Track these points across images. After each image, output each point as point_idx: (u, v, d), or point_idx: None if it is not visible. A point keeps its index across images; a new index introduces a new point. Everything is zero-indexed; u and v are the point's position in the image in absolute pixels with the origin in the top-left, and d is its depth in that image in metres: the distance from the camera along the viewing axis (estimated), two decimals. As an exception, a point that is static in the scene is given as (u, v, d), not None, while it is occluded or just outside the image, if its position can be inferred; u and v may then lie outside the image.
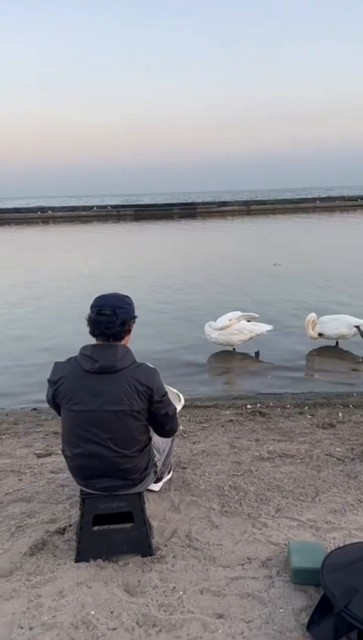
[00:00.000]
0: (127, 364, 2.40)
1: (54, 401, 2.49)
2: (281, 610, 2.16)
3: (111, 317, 2.41)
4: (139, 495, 2.57)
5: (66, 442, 2.49)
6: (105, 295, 2.55)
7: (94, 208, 47.00)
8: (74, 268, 15.59)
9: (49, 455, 3.92)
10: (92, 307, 2.50)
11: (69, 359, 2.52)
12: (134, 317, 2.58)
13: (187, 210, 45.88)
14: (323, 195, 60.91)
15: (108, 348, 2.41)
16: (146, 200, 67.64)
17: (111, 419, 2.36)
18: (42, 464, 3.75)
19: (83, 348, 2.48)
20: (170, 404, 2.58)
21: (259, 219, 36.95)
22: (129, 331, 2.55)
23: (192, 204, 51.17)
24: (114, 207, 48.44)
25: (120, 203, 57.39)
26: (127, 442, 2.42)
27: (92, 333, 2.48)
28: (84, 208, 48.01)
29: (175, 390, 3.38)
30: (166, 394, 2.51)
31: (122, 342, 2.51)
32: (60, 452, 3.87)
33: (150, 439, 2.60)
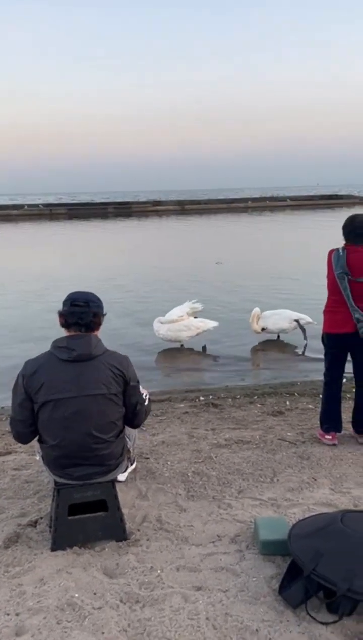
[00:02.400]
0: (102, 352, 2.53)
1: (28, 396, 2.53)
2: (254, 579, 2.33)
3: (84, 308, 2.54)
4: (113, 483, 2.67)
5: (46, 432, 2.55)
6: (78, 291, 2.65)
7: (25, 207, 45.82)
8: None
9: (9, 453, 3.92)
10: (65, 301, 2.60)
11: (39, 355, 2.59)
12: (104, 313, 2.70)
13: (122, 209, 45.79)
14: (255, 195, 62.56)
15: (82, 337, 2.53)
16: (83, 199, 66.72)
17: (91, 404, 2.47)
18: (3, 462, 3.75)
19: (56, 341, 2.56)
20: (141, 393, 2.70)
21: (194, 218, 37.47)
22: (99, 324, 2.66)
23: (127, 203, 51.08)
24: (47, 205, 47.52)
25: (53, 202, 56.35)
26: (106, 427, 2.53)
27: (65, 324, 2.58)
28: (15, 206, 46.75)
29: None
30: (138, 381, 2.65)
31: (93, 334, 2.62)
32: (20, 450, 3.90)
33: (124, 425, 2.72)
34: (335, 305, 3.77)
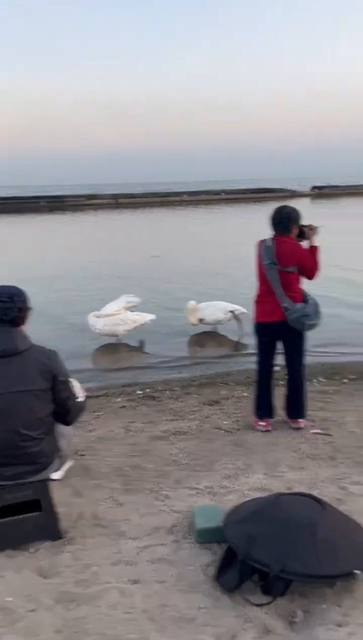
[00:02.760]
0: (28, 346, 2.46)
1: None
2: (190, 568, 2.35)
3: (8, 303, 2.45)
4: (46, 482, 2.60)
5: None
6: (1, 285, 2.56)
7: None
8: None
9: None
10: None
11: None
12: (30, 307, 2.62)
13: (55, 203, 44.72)
14: (191, 189, 62.93)
15: (7, 332, 2.45)
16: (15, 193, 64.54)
17: (17, 401, 2.39)
18: None
19: None
20: (72, 389, 2.65)
21: (129, 212, 37.23)
22: (25, 319, 2.58)
23: (60, 196, 49.95)
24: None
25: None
26: (34, 424, 2.46)
27: None
28: None
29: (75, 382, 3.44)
30: (68, 376, 2.59)
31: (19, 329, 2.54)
32: None
33: (53, 422, 2.65)
34: (264, 295, 3.85)
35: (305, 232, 3.83)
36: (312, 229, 3.83)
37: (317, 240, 3.86)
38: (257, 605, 2.08)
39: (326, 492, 2.98)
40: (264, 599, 2.11)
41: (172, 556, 2.44)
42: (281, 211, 3.80)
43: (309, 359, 6.13)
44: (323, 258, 3.89)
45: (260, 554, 2.20)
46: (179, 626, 2.01)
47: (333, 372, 5.88)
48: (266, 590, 2.15)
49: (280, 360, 4.13)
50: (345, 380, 5.49)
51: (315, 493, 2.93)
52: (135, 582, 2.27)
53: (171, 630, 1.99)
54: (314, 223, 3.88)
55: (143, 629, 2.00)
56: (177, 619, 2.05)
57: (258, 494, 2.93)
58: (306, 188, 60.83)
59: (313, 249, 3.84)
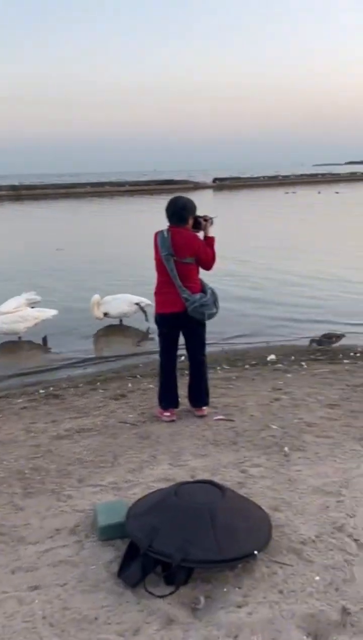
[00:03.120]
0: None
1: None
2: (93, 567, 2.30)
3: None
4: None
5: None
6: None
7: None
8: None
9: None
10: None
11: None
12: None
13: None
14: (94, 180, 61.91)
15: None
16: None
17: None
18: None
19: None
20: None
21: (30, 204, 35.96)
22: None
23: None
24: None
25: None
26: None
27: None
28: None
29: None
30: None
31: None
32: None
33: None
34: (163, 286, 3.86)
35: (200, 223, 3.87)
36: (207, 219, 3.88)
37: (212, 231, 3.93)
38: (160, 596, 2.08)
39: (228, 477, 3.05)
40: (167, 590, 2.11)
41: (74, 557, 2.38)
42: (176, 202, 3.81)
43: (213, 347, 6.30)
44: (220, 249, 3.97)
45: (161, 545, 2.20)
46: (81, 628, 1.97)
47: (236, 359, 6.06)
48: (169, 581, 2.15)
49: (183, 350, 4.17)
50: (247, 366, 5.68)
51: (217, 478, 3.01)
52: (35, 588, 2.18)
53: (72, 634, 1.93)
54: (209, 214, 3.93)
55: (42, 635, 1.93)
56: (78, 621, 1.99)
57: (162, 485, 2.93)
58: (208, 180, 62.01)
59: (209, 240, 3.90)
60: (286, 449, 3.40)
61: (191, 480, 2.89)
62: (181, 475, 3.09)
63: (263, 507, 2.62)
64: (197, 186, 55.45)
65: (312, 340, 6.11)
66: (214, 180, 59.99)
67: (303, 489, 2.87)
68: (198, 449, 3.47)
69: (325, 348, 6.10)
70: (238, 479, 3.02)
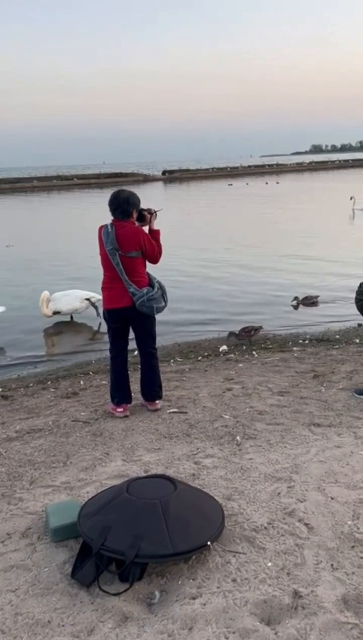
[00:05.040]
0: None
1: None
2: (46, 570, 2.26)
3: None
4: None
5: None
6: None
7: None
8: None
9: None
10: None
11: None
12: None
13: None
14: (40, 174, 60.59)
15: None
16: None
17: None
18: None
19: None
20: None
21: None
22: None
23: None
24: None
25: None
26: None
27: None
28: None
29: None
30: None
31: None
32: None
33: None
34: (110, 281, 3.81)
35: (144, 217, 3.84)
36: (152, 212, 3.86)
37: (157, 224, 3.91)
38: (115, 594, 2.07)
39: (181, 469, 3.06)
40: (122, 587, 2.10)
41: (26, 561, 2.33)
42: (119, 196, 3.76)
43: (166, 341, 6.30)
44: (167, 240, 3.96)
45: (114, 543, 2.18)
46: (34, 632, 1.93)
47: (189, 351, 6.09)
48: (123, 578, 2.14)
49: (133, 344, 4.14)
50: (200, 358, 5.71)
51: (171, 472, 3.02)
52: (-15, 596, 2.13)
53: (24, 639, 1.90)
54: (153, 207, 3.91)
55: (-6, 644, 1.89)
56: (31, 625, 1.96)
57: (116, 482, 2.91)
58: (158, 172, 61.86)
59: (154, 233, 3.88)
60: (238, 438, 3.44)
61: (143, 475, 2.88)
62: (135, 471, 3.08)
63: (216, 497, 2.65)
64: (147, 179, 55.21)
65: (231, 334, 6.17)
66: (164, 172, 59.89)
67: (255, 477, 2.91)
68: (151, 443, 3.46)
69: (242, 342, 6.13)
70: (191, 471, 3.04)
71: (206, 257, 12.29)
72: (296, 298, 7.91)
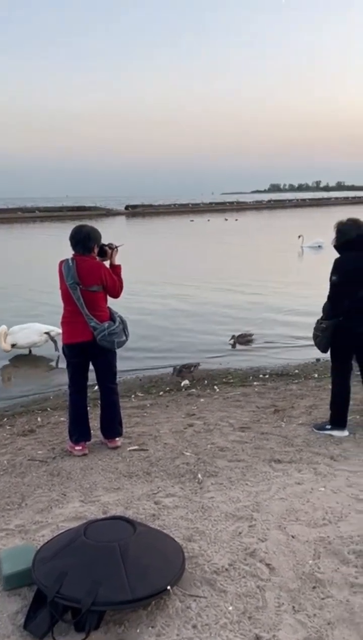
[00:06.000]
0: None
1: None
2: (-3, 621, 2.14)
3: None
4: None
5: None
6: None
7: None
8: None
9: None
10: None
11: None
12: None
13: None
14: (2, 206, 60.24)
15: None
16: None
17: None
18: None
19: None
20: None
21: None
22: None
23: None
24: None
25: None
26: None
27: None
28: None
29: None
30: None
31: None
32: None
33: None
34: (71, 316, 3.78)
35: (106, 251, 3.85)
36: (113, 248, 3.87)
37: (118, 259, 3.92)
38: (70, 646, 1.97)
39: (141, 510, 2.99)
40: (78, 638, 2.01)
41: (-24, 612, 2.20)
42: (81, 231, 3.77)
43: (127, 375, 6.25)
44: (127, 274, 3.97)
45: (70, 590, 2.09)
46: None
47: (151, 386, 6.05)
48: (79, 627, 2.05)
49: (93, 379, 4.08)
50: (161, 393, 5.67)
51: (130, 512, 2.95)
52: None
53: None
54: (114, 242, 3.93)
55: None
56: None
57: (73, 524, 2.81)
58: (121, 206, 62.48)
59: (115, 268, 3.88)
60: (199, 475, 3.40)
61: (101, 517, 2.79)
62: (93, 512, 2.99)
63: (177, 539, 2.59)
64: (109, 213, 55.64)
65: (174, 369, 6.20)
66: (127, 207, 60.50)
67: (216, 516, 2.87)
68: (110, 483, 3.38)
69: (183, 377, 6.12)
70: (151, 511, 2.97)
71: (169, 291, 12.36)
72: (233, 336, 7.99)
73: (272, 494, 3.10)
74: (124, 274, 3.95)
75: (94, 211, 54.98)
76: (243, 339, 7.95)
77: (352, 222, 3.91)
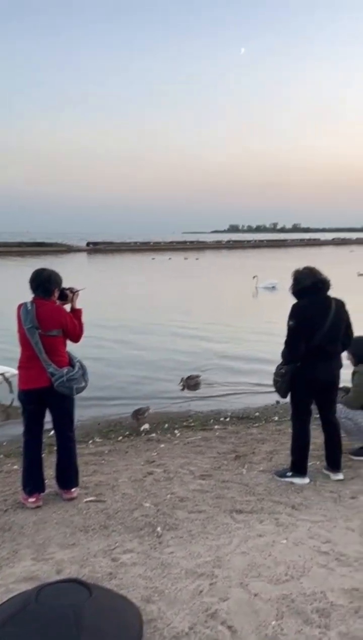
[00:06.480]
0: None
1: None
2: None
3: None
4: None
5: None
6: None
7: None
8: None
9: None
10: None
11: None
12: None
13: None
14: None
15: None
16: None
17: None
18: None
19: None
20: None
21: None
22: None
23: None
24: None
25: None
26: None
27: None
28: None
29: None
30: None
31: None
32: None
33: None
34: (28, 360, 3.67)
35: (67, 295, 3.79)
36: (74, 292, 3.82)
37: (79, 303, 3.86)
38: None
39: (97, 567, 2.85)
40: None
41: None
42: (41, 274, 3.70)
43: (85, 419, 6.09)
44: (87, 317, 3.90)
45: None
46: None
47: (110, 430, 5.90)
48: None
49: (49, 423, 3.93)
50: (120, 438, 5.53)
51: (86, 571, 2.82)
52: None
53: None
54: (76, 286, 3.87)
55: None
56: None
57: (24, 586, 2.65)
58: (83, 243, 62.54)
59: (76, 312, 3.82)
60: (159, 529, 3.28)
61: (55, 580, 2.64)
62: (46, 572, 2.83)
63: (135, 599, 2.48)
64: (70, 249, 55.54)
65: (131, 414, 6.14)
66: (88, 243, 60.59)
67: (176, 574, 2.76)
68: (65, 538, 3.21)
69: (139, 421, 6.02)
70: (108, 569, 2.83)
71: (126, 333, 12.29)
72: (182, 379, 7.96)
73: (233, 548, 3.02)
74: (84, 316, 3.88)
75: (54, 247, 54.78)
76: (192, 381, 7.92)
77: (308, 271, 4.00)
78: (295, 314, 3.92)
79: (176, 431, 5.68)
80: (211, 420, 6.14)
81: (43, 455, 3.95)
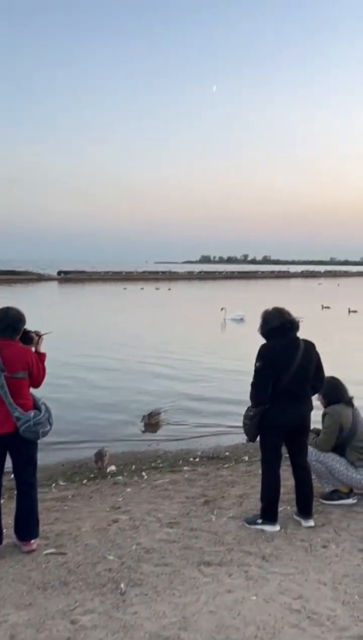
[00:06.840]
0: None
1: None
2: None
3: None
4: None
5: None
6: None
7: None
8: None
9: None
10: None
11: None
12: None
13: None
14: None
15: None
16: None
17: None
18: None
19: None
20: None
21: None
22: None
23: None
24: None
25: None
26: None
27: None
28: None
29: None
30: None
31: None
32: None
33: None
34: (-9, 405, 3.49)
35: (32, 338, 3.65)
36: (40, 335, 3.69)
37: (43, 347, 3.72)
38: None
39: (55, 632, 2.66)
40: None
41: None
42: (7, 313, 3.56)
43: (50, 459, 5.87)
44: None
45: None
46: None
47: (74, 472, 5.69)
48: None
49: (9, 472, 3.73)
50: (85, 481, 5.33)
51: (42, 636, 2.63)
52: None
53: None
54: (41, 330, 3.74)
55: None
56: None
57: (-27, 655, 2.44)
58: (54, 271, 62.20)
59: (40, 356, 3.67)
60: (122, 585, 3.10)
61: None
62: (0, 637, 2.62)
63: (94, 671, 2.29)
64: (41, 278, 55.12)
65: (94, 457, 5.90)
66: (60, 272, 60.22)
67: (139, 638, 2.59)
68: (21, 598, 3.00)
69: (102, 464, 5.74)
70: (66, 633, 2.65)
71: (91, 371, 12.04)
72: (144, 417, 7.82)
73: (201, 606, 2.87)
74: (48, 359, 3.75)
75: (24, 275, 54.24)
76: (153, 418, 7.77)
77: (277, 311, 3.96)
78: (262, 355, 3.86)
79: (143, 473, 5.50)
80: (181, 461, 5.98)
81: (2, 500, 3.73)
